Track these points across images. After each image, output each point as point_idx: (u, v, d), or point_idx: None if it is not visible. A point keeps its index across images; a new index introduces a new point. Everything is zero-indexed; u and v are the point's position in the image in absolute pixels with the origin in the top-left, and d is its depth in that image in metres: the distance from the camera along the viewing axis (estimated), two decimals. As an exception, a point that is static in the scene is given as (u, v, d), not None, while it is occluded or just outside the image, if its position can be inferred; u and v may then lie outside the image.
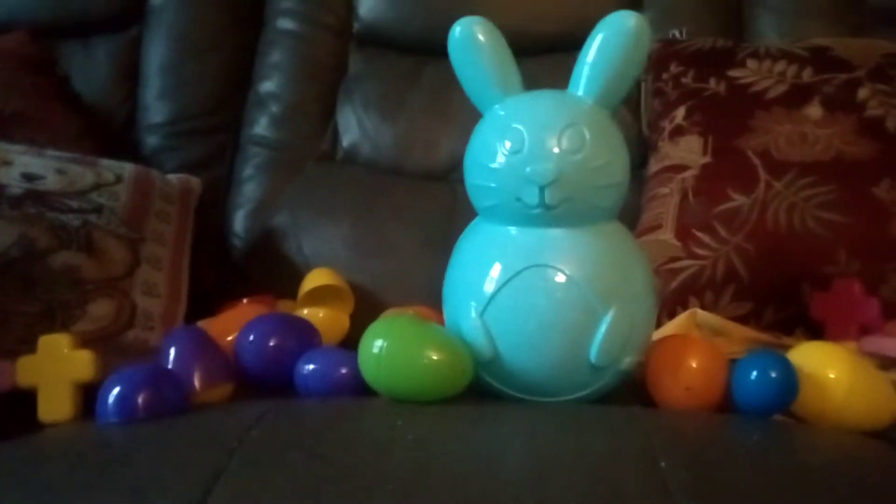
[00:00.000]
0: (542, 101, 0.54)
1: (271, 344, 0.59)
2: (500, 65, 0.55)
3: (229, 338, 0.62)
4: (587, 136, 0.51)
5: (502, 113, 0.54)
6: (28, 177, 0.68)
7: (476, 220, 0.57)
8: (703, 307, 0.68)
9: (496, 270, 0.52)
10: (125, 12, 0.95)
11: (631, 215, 0.78)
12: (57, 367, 0.54)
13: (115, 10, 0.95)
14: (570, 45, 0.92)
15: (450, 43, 0.55)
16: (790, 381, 0.53)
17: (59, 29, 0.95)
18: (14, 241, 0.62)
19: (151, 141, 0.93)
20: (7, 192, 0.66)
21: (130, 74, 0.94)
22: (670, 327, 0.66)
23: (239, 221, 0.91)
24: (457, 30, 0.54)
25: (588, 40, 0.53)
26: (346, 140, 0.93)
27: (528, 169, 0.50)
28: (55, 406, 0.55)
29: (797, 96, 0.75)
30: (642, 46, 0.53)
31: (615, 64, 0.52)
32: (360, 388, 0.54)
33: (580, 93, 0.53)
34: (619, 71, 0.53)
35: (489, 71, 0.54)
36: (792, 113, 0.74)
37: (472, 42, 0.54)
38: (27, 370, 0.55)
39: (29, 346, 0.59)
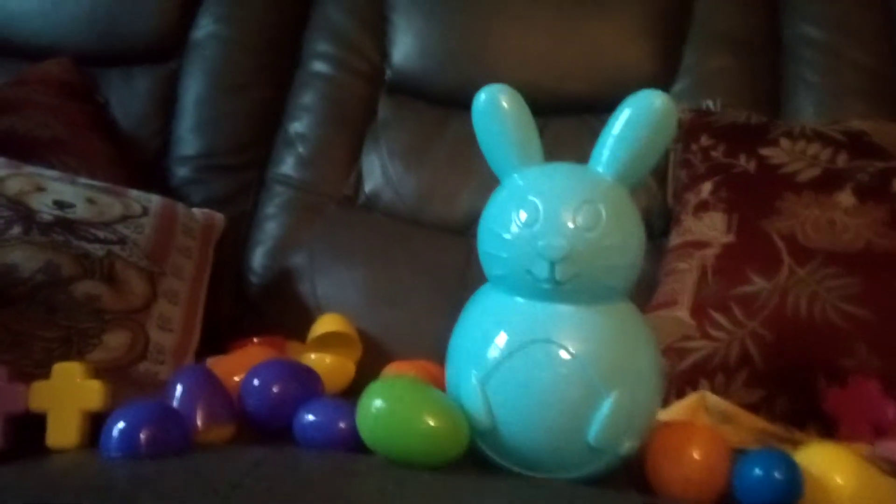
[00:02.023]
0: (561, 175, 0.55)
1: (274, 390, 0.61)
2: (522, 134, 0.56)
3: (236, 378, 0.64)
4: (603, 213, 0.52)
5: (520, 183, 0.55)
6: (60, 204, 0.71)
7: (485, 285, 0.58)
8: (713, 390, 0.68)
9: (501, 340, 0.53)
10: (166, 45, 1.00)
11: (648, 285, 0.79)
12: (68, 394, 0.57)
13: (157, 43, 1.00)
14: (600, 106, 0.95)
15: (474, 108, 0.56)
16: (794, 482, 0.52)
17: (103, 57, 0.99)
18: (41, 267, 0.65)
19: (181, 172, 0.97)
20: (38, 217, 0.69)
21: (166, 106, 0.98)
22: (677, 408, 0.66)
23: (257, 258, 0.94)
24: (482, 96, 0.56)
25: (613, 116, 0.54)
26: (369, 185, 0.95)
27: (540, 242, 0.51)
28: (63, 433, 0.57)
29: (829, 181, 0.75)
30: (668, 128, 0.53)
31: (638, 143, 0.53)
32: (356, 443, 0.56)
33: (600, 168, 0.54)
34: (641, 150, 0.53)
35: (511, 139, 0.55)
36: (822, 198, 0.74)
37: (496, 109, 0.55)
38: (40, 395, 0.58)
39: (45, 370, 0.61)
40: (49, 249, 0.66)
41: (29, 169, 0.75)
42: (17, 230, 0.67)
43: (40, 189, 0.72)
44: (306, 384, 0.62)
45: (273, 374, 0.62)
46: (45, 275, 0.65)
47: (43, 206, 0.70)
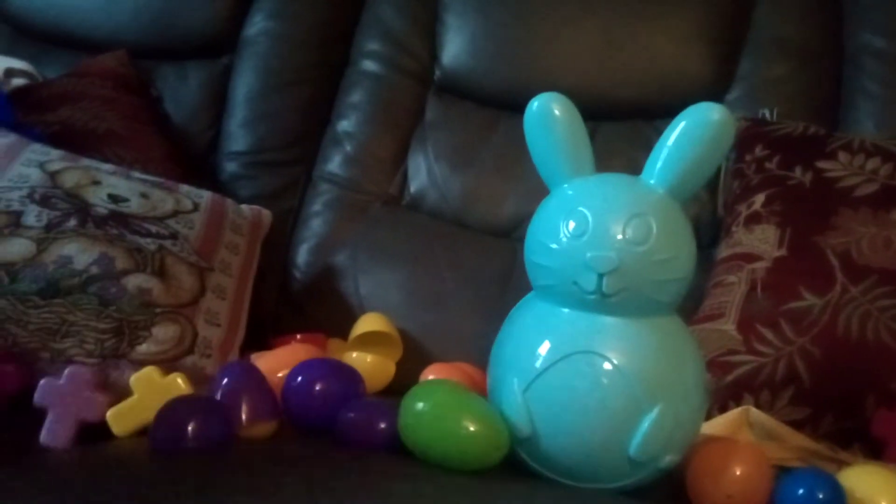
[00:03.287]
0: (612, 187, 0.56)
1: (317, 388, 0.63)
2: (573, 143, 0.56)
3: (279, 374, 0.66)
4: (654, 227, 0.53)
5: (570, 193, 0.56)
6: (114, 198, 0.74)
7: (531, 294, 0.60)
8: (757, 406, 0.68)
9: (544, 350, 0.54)
10: (219, 41, 1.03)
11: (694, 296, 0.79)
12: (159, 397, 0.58)
13: (210, 39, 1.03)
14: (652, 112, 0.95)
15: (526, 117, 0.57)
16: (837, 503, 0.53)
17: (157, 51, 1.03)
18: (95, 259, 0.69)
19: (230, 167, 1.00)
20: (93, 211, 0.73)
21: (218, 101, 1.01)
22: (720, 422, 0.67)
23: (302, 255, 0.96)
24: (534, 105, 0.57)
25: (669, 127, 0.54)
26: (414, 186, 0.97)
27: (588, 254, 0.52)
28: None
29: (887, 198, 0.74)
30: (724, 143, 0.54)
31: (692, 157, 0.54)
32: (396, 445, 0.58)
33: (652, 181, 0.55)
34: (695, 164, 0.54)
35: (562, 148, 0.56)
36: (880, 215, 0.73)
37: (549, 118, 0.56)
38: (133, 413, 0.59)
39: (94, 360, 0.65)
40: (103, 242, 0.70)
41: (85, 162, 0.79)
42: (72, 223, 0.71)
43: (96, 182, 0.76)
44: (349, 384, 0.64)
45: (316, 372, 0.64)
46: (98, 267, 0.68)
47: (98, 199, 0.74)
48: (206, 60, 1.03)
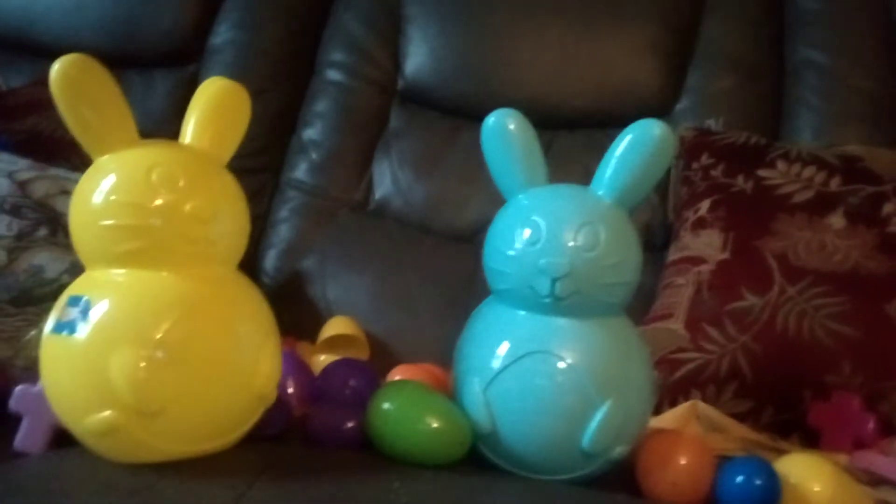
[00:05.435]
0: (563, 196, 0.60)
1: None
2: (527, 156, 0.60)
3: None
4: (602, 235, 0.56)
5: (525, 203, 0.59)
6: (84, 207, 0.76)
7: (490, 298, 0.63)
8: (704, 400, 0.73)
9: (503, 350, 0.57)
10: (185, 49, 1.05)
11: (647, 297, 0.84)
12: None
13: (176, 47, 1.05)
14: (606, 121, 1.00)
15: (483, 131, 0.61)
16: (773, 489, 0.57)
17: (123, 59, 1.03)
18: (67, 268, 0.71)
19: (197, 174, 1.02)
20: (63, 220, 0.74)
21: (185, 108, 1.02)
22: (670, 416, 0.71)
23: (270, 260, 0.99)
24: (490, 120, 0.60)
25: (615, 141, 0.58)
26: (379, 192, 1.00)
27: (542, 261, 0.56)
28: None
29: (822, 204, 0.79)
30: (664, 156, 0.57)
31: (637, 168, 0.57)
32: (364, 441, 0.61)
33: (601, 191, 0.58)
34: (639, 175, 0.57)
35: (517, 161, 0.60)
36: (814, 220, 0.79)
37: (504, 132, 0.60)
38: None
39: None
40: (74, 252, 0.71)
41: (54, 171, 0.80)
42: (43, 232, 0.72)
43: (65, 192, 0.77)
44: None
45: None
46: (70, 276, 0.70)
47: (68, 208, 0.75)
48: (172, 68, 1.04)
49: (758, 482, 0.57)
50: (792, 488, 0.58)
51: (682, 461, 0.59)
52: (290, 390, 0.66)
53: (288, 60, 1.04)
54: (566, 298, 0.56)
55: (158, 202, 0.53)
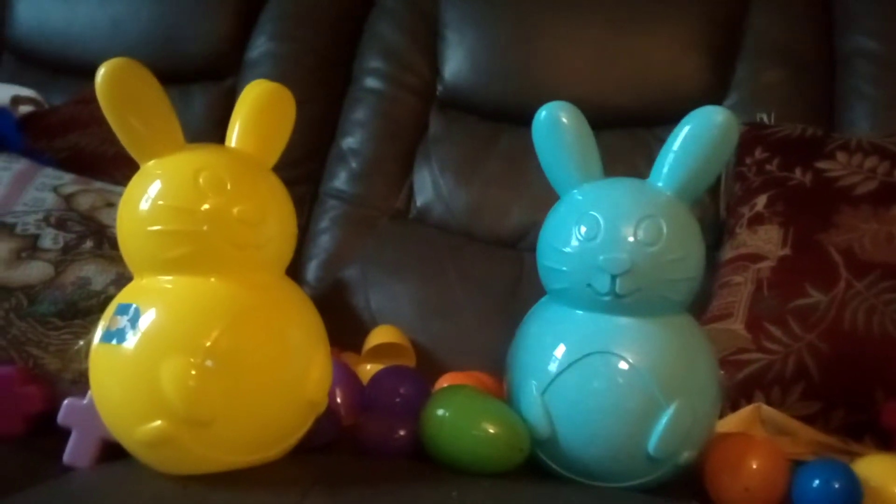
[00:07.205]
0: (621, 190, 0.58)
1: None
2: (582, 150, 0.59)
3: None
4: (664, 228, 0.54)
5: (580, 198, 0.58)
6: (128, 219, 0.76)
7: (545, 298, 0.61)
8: (768, 402, 0.70)
9: (560, 352, 0.56)
10: (223, 63, 1.05)
11: (701, 298, 0.81)
12: None
13: (214, 61, 1.05)
14: (651, 119, 0.97)
15: (534, 125, 0.59)
16: (854, 493, 0.55)
17: (161, 75, 1.04)
18: (113, 280, 0.71)
19: (237, 187, 1.02)
20: (109, 232, 0.75)
21: (223, 122, 1.02)
22: (733, 420, 0.68)
23: (311, 271, 0.98)
24: (542, 113, 0.58)
25: (674, 132, 0.56)
26: (420, 200, 0.99)
27: (601, 257, 0.54)
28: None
29: (887, 195, 0.77)
30: (729, 144, 0.56)
31: (698, 159, 0.56)
32: (417, 451, 0.59)
33: (660, 184, 0.57)
34: (701, 166, 0.56)
35: (571, 155, 0.58)
36: (880, 212, 0.76)
37: (556, 126, 0.58)
38: None
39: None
40: (120, 263, 0.71)
41: (98, 185, 0.81)
42: (89, 244, 0.73)
43: (110, 204, 0.78)
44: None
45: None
46: (116, 287, 0.70)
47: (113, 221, 0.75)
48: (210, 82, 1.05)
49: (836, 485, 0.55)
50: (873, 491, 0.55)
51: (755, 465, 0.56)
52: (339, 400, 0.65)
53: (325, 70, 1.04)
54: (627, 296, 0.54)
55: (206, 206, 0.53)
